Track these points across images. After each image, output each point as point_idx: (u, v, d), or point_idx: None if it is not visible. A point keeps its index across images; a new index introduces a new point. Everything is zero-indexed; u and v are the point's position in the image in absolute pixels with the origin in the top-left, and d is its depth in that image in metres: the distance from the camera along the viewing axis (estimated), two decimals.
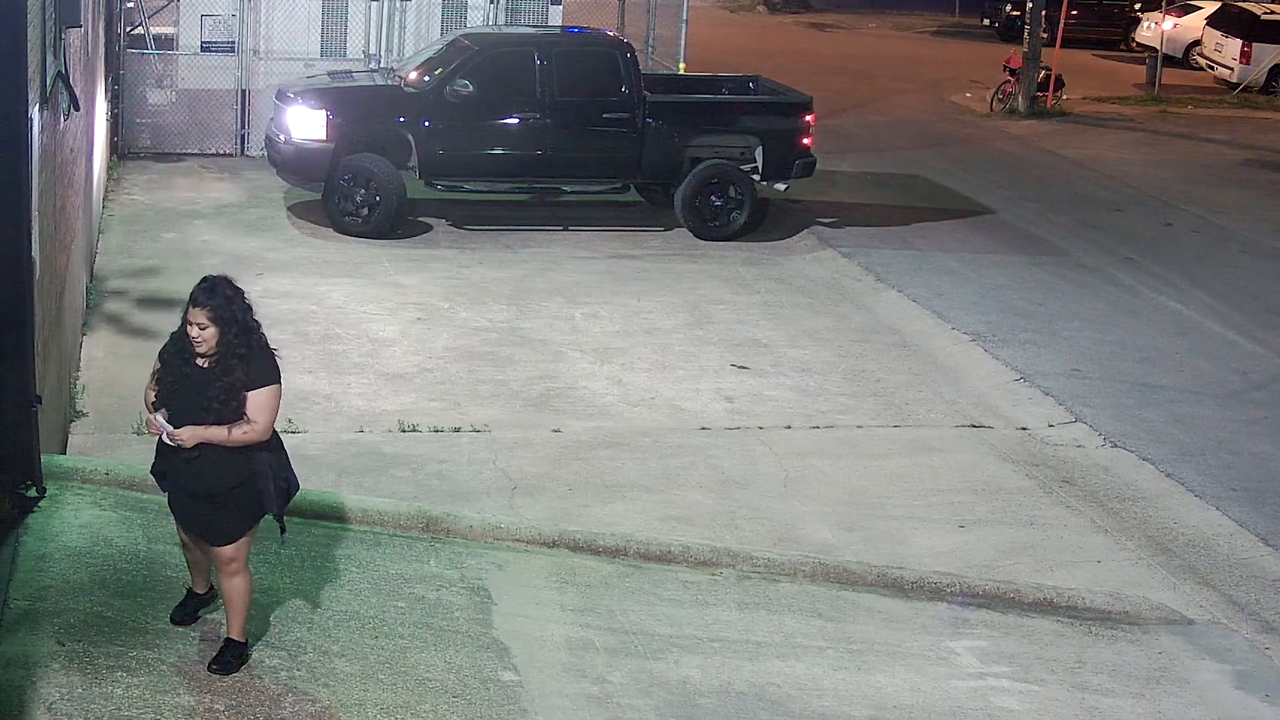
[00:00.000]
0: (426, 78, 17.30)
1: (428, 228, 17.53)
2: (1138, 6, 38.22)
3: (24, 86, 7.69)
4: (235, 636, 7.00)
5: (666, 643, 8.26)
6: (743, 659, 8.23)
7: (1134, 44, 37.25)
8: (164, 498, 8.53)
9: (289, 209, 17.77)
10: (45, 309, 8.89)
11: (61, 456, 9.41)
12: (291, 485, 7.11)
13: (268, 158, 17.91)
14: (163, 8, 20.92)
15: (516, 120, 17.34)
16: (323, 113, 16.84)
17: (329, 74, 18.50)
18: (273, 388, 6.86)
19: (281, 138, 17.09)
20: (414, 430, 11.59)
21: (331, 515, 9.04)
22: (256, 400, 6.79)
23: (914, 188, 21.64)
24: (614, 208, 18.79)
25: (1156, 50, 32.01)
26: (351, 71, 19.14)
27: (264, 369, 6.85)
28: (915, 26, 41.88)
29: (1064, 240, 19.01)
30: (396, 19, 20.61)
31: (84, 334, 12.93)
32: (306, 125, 16.86)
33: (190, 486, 6.86)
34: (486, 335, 14.00)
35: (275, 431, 7.03)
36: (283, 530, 7.15)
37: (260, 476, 6.89)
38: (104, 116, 17.12)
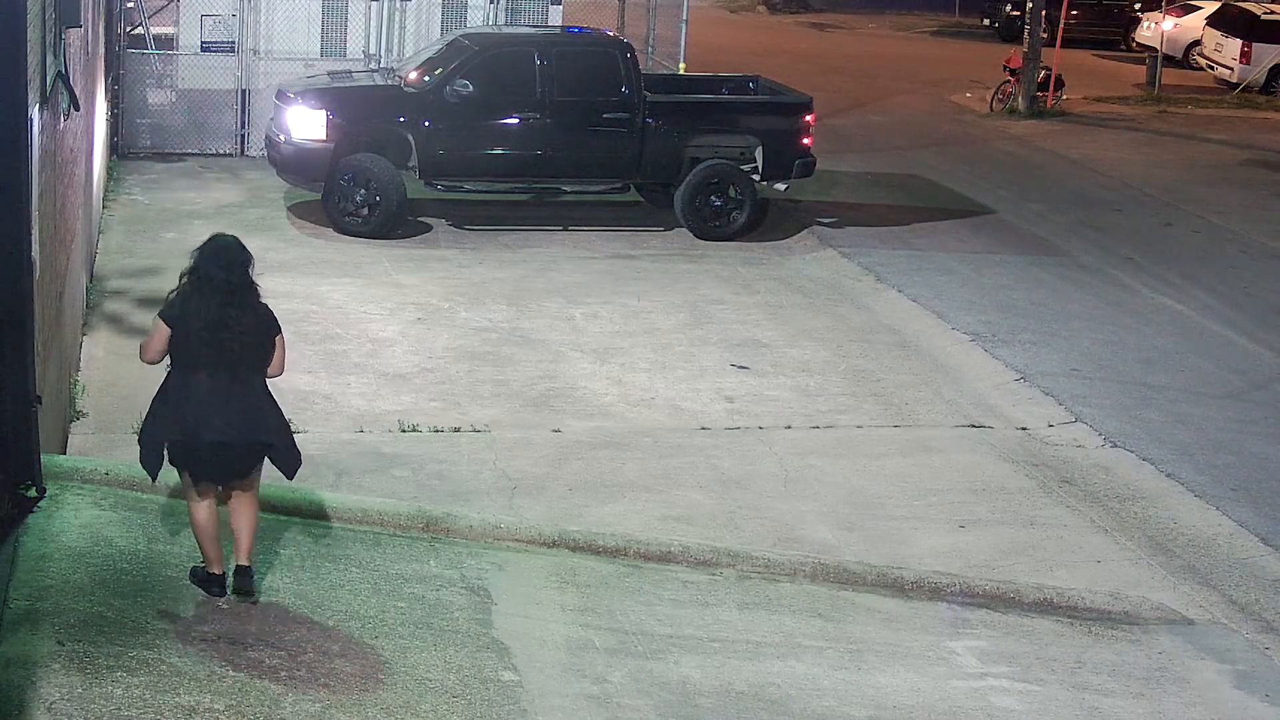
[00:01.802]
0: (426, 78, 17.30)
1: (428, 228, 17.54)
2: (1138, 6, 38.21)
3: (24, 86, 7.69)
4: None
5: (666, 643, 8.26)
6: (743, 659, 8.23)
7: (1134, 44, 37.24)
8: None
9: (289, 209, 17.77)
10: (45, 309, 8.88)
11: (61, 456, 9.41)
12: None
13: (268, 158, 17.91)
14: (163, 8, 20.93)
15: (516, 120, 17.34)
16: (323, 113, 16.84)
17: (329, 74, 18.50)
18: (158, 320, 7.39)
19: (281, 138, 17.09)
20: (414, 430, 11.59)
21: (331, 515, 9.04)
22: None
23: (914, 188, 21.65)
24: (614, 208, 18.79)
25: (1156, 50, 32.01)
26: (351, 71, 19.15)
27: (166, 306, 7.42)
28: (915, 26, 41.87)
29: (1064, 240, 19.01)
30: (396, 19, 20.61)
31: (84, 334, 12.93)
32: (306, 125, 16.86)
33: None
34: (486, 335, 14.00)
35: (164, 386, 7.45)
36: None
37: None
38: (104, 116, 17.12)
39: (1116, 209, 21.01)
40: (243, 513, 7.59)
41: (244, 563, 7.59)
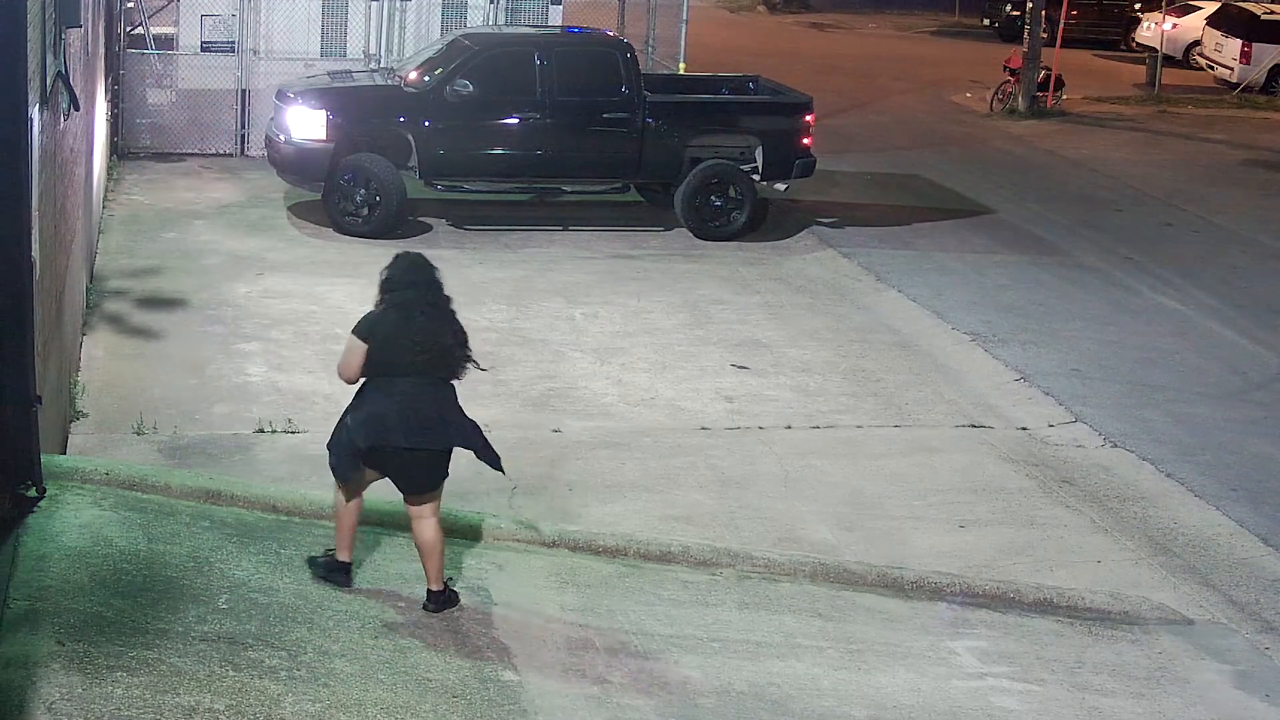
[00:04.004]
0: (426, 78, 17.30)
1: (428, 228, 17.53)
2: (1138, 6, 38.23)
3: (24, 87, 7.69)
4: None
5: (666, 643, 8.26)
6: (743, 659, 8.23)
7: (1134, 44, 37.26)
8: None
9: (289, 209, 17.77)
10: (45, 309, 8.88)
11: (61, 456, 9.40)
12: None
13: (268, 158, 17.91)
14: (163, 8, 20.92)
15: (516, 120, 17.34)
16: (323, 113, 16.84)
17: (329, 74, 18.49)
18: (354, 338, 7.94)
19: (281, 138, 17.09)
20: None
21: (331, 515, 9.02)
22: None
23: (914, 188, 21.65)
24: (614, 208, 18.79)
25: (1156, 50, 32.03)
26: (351, 71, 19.13)
27: (365, 325, 7.93)
28: (915, 26, 41.88)
29: (1064, 240, 19.01)
30: (396, 19, 20.61)
31: (84, 334, 12.92)
32: (306, 125, 16.85)
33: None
34: (486, 335, 13.98)
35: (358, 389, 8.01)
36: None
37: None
38: (104, 116, 17.11)
39: (1116, 209, 21.01)
40: (426, 533, 8.00)
41: (435, 588, 8.05)
